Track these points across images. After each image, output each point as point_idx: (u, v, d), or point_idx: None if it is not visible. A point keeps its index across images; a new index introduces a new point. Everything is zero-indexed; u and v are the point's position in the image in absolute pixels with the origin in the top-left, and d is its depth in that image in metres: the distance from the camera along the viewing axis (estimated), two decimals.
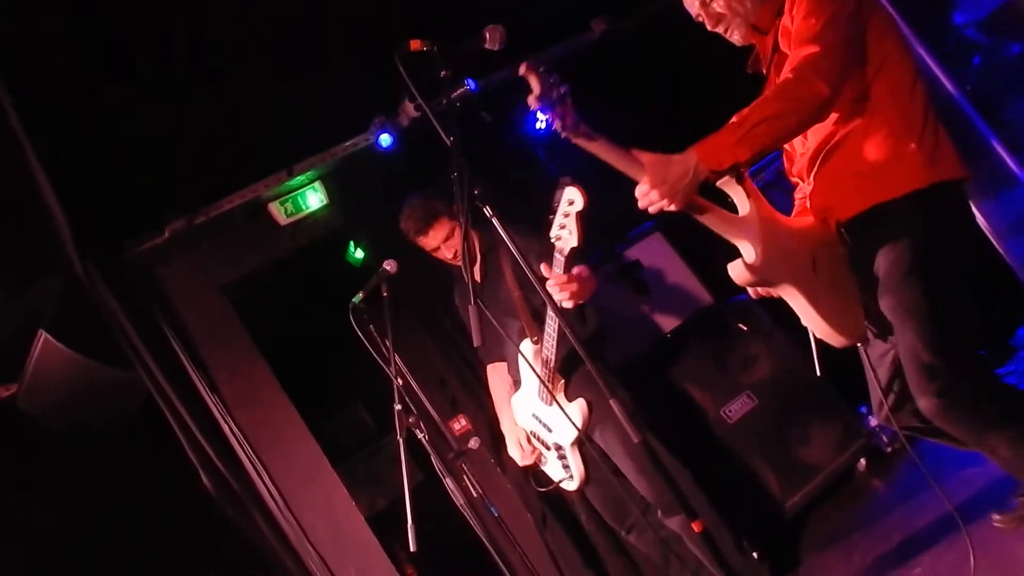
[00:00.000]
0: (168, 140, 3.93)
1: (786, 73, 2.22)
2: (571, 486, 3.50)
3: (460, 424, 4.28)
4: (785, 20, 2.33)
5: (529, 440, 3.59)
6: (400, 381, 3.28)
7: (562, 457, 3.44)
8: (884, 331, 2.37)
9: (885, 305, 2.27)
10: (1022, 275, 2.73)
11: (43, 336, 3.81)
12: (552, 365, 3.24)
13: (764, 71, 2.49)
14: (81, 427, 4.04)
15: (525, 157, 4.89)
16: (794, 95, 2.15)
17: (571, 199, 2.57)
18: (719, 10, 2.44)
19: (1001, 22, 2.54)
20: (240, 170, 4.37)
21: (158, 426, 3.91)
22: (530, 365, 3.34)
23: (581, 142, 2.26)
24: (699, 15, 2.49)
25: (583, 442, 3.34)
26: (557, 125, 2.23)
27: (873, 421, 4.53)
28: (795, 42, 2.25)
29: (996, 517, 2.65)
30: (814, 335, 2.45)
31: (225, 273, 4.39)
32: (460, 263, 3.35)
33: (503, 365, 3.68)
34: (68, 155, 3.68)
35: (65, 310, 3.94)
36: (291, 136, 4.32)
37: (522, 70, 2.17)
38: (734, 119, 2.21)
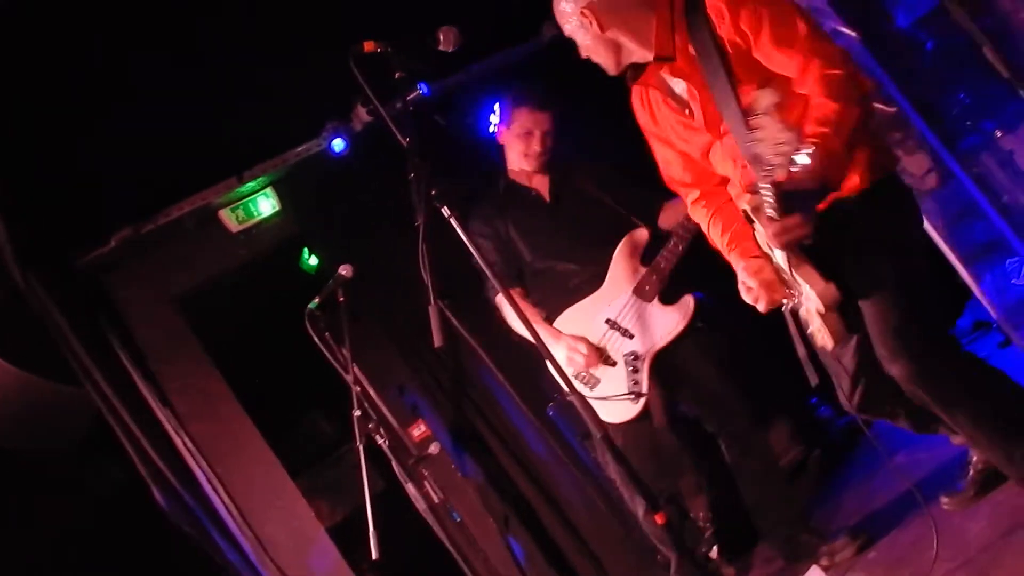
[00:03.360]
0: (115, 147, 3.84)
1: (823, 98, 2.12)
2: (631, 410, 3.30)
3: (420, 430, 4.26)
4: (725, 32, 2.23)
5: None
6: (358, 387, 3.25)
7: (635, 371, 3.33)
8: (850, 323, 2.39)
9: (855, 283, 2.29)
10: (960, 268, 2.80)
11: None
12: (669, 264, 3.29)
13: (670, 79, 2.41)
14: (28, 447, 3.93)
15: (479, 160, 4.88)
16: (848, 122, 2.14)
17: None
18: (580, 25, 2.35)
19: (935, 21, 2.61)
20: (190, 177, 4.30)
21: (111, 446, 3.82)
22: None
23: None
24: (572, 35, 2.39)
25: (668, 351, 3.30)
26: None
27: (826, 411, 4.61)
28: (788, 52, 2.18)
29: (944, 500, 2.71)
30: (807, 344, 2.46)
31: (175, 283, 4.31)
32: None
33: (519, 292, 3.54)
34: (7, 163, 3.59)
35: (7, 325, 3.82)
36: (242, 141, 4.25)
37: None
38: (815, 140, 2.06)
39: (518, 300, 3.36)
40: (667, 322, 3.33)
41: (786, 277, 2.30)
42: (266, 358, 4.58)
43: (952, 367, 2.31)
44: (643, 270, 3.38)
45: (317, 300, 3.33)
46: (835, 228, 2.26)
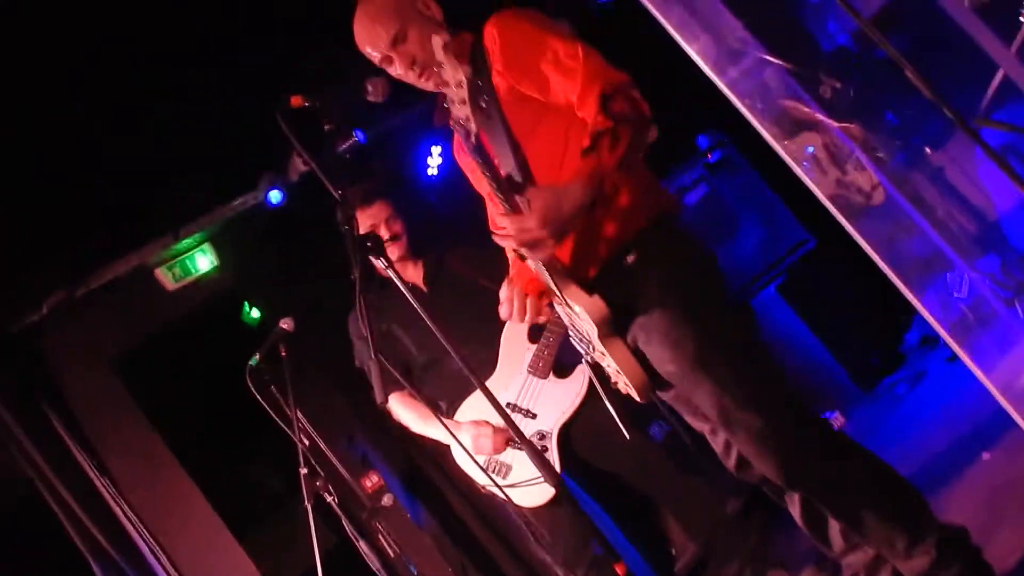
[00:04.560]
0: (44, 207, 3.75)
1: (601, 116, 2.08)
2: (547, 492, 3.20)
3: (372, 481, 4.16)
4: (495, 60, 2.19)
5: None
6: (305, 443, 3.17)
7: (544, 450, 3.26)
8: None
9: (663, 356, 2.20)
10: (900, 285, 2.83)
11: None
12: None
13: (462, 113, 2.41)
14: None
15: (417, 203, 4.87)
16: (625, 140, 2.09)
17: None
18: (412, 51, 2.26)
19: (856, 45, 2.67)
20: (123, 236, 4.21)
21: (43, 517, 3.67)
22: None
23: None
24: (386, 58, 2.29)
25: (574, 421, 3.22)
26: None
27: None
28: (567, 75, 2.14)
29: None
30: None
31: (111, 344, 4.21)
32: None
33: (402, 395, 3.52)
34: None
35: None
36: (176, 197, 4.19)
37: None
38: (587, 148, 2.08)
39: (407, 402, 3.43)
40: (567, 395, 3.30)
41: (568, 310, 2.26)
42: (209, 416, 4.47)
43: (826, 457, 2.21)
44: (532, 347, 3.33)
45: (257, 356, 3.25)
46: (616, 281, 2.22)
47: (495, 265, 3.48)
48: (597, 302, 2.18)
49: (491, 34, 2.21)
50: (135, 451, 3.95)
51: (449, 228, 4.89)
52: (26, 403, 3.77)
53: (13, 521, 3.93)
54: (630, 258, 2.23)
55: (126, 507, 3.73)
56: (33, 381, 3.89)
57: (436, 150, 4.90)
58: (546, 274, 2.18)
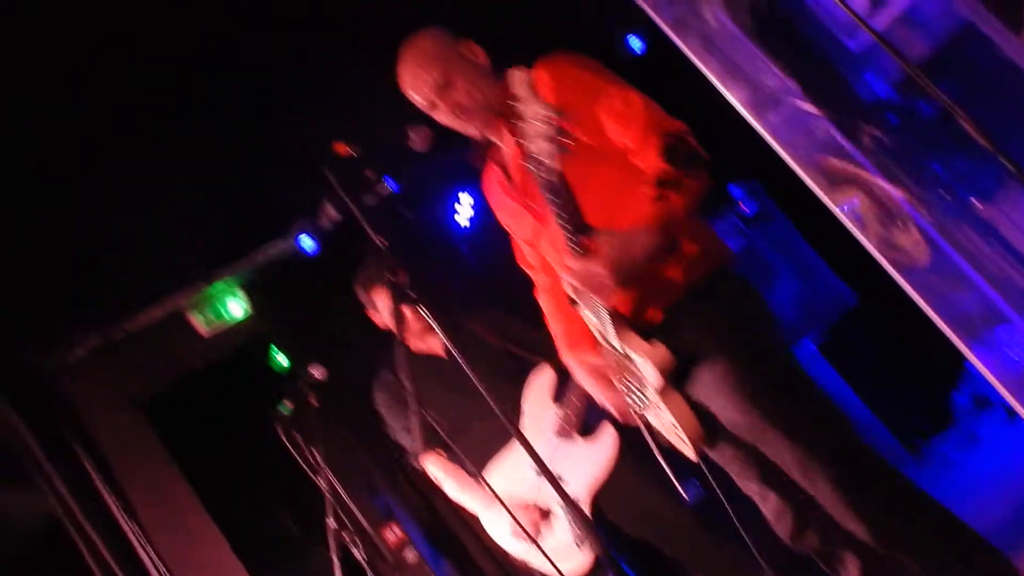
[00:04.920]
0: (82, 251, 3.80)
1: (664, 163, 2.07)
2: (583, 558, 3.06)
3: (395, 534, 4.08)
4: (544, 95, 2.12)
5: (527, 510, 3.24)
6: (331, 493, 3.13)
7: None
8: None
9: (730, 405, 2.13)
10: (957, 341, 2.72)
11: None
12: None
13: (505, 157, 2.35)
14: None
15: (447, 252, 4.87)
16: (693, 189, 2.09)
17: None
18: (458, 98, 2.24)
19: (902, 94, 2.62)
20: (158, 280, 4.24)
21: (67, 555, 3.64)
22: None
23: None
24: (432, 105, 2.27)
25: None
26: None
27: None
28: (624, 122, 2.13)
29: None
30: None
31: (143, 388, 4.22)
32: None
33: (439, 458, 3.46)
34: None
35: None
36: (210, 242, 4.22)
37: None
38: (655, 196, 2.05)
39: (440, 464, 3.36)
40: (597, 457, 3.15)
41: (620, 359, 2.18)
42: (234, 460, 4.45)
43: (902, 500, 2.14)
44: (556, 408, 3.23)
45: (287, 402, 3.21)
46: (676, 330, 2.16)
47: (520, 329, 3.45)
48: (660, 350, 2.12)
49: (542, 77, 2.17)
50: (163, 496, 3.94)
51: (478, 282, 4.88)
52: (57, 442, 3.77)
53: (40, 558, 3.91)
54: (691, 306, 2.18)
55: (150, 549, 3.71)
56: (64, 420, 3.90)
57: (466, 199, 4.89)
58: (606, 321, 2.11)
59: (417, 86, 2.27)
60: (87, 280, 3.90)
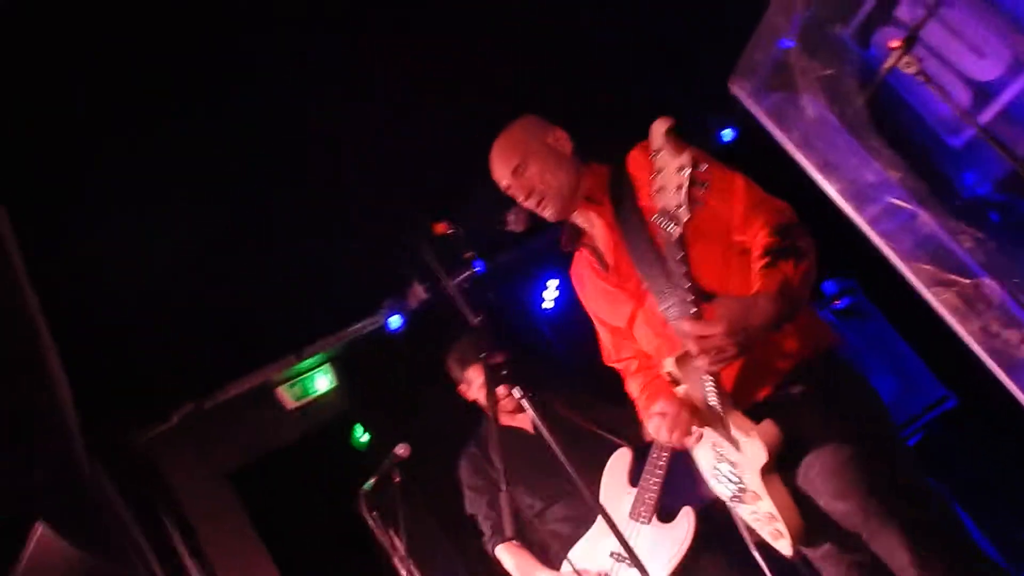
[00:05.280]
0: (177, 324, 3.90)
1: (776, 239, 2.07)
2: None
3: None
4: (641, 188, 2.19)
5: None
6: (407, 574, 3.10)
7: None
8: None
9: (840, 494, 2.05)
10: None
11: (40, 528, 3.63)
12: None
13: (596, 242, 2.38)
14: None
15: (531, 335, 4.88)
16: (804, 268, 2.06)
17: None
18: (532, 182, 2.33)
19: (1006, 190, 2.57)
20: (249, 354, 4.34)
21: None
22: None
23: None
24: (509, 187, 2.37)
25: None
26: None
27: None
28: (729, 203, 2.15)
29: None
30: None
31: (230, 460, 4.31)
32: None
33: (513, 544, 3.42)
34: (78, 342, 3.63)
35: (62, 494, 3.78)
36: (300, 318, 4.31)
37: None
38: (767, 263, 2.03)
39: (513, 552, 3.32)
40: (672, 541, 3.09)
41: (718, 441, 2.11)
42: (314, 536, 4.45)
43: None
44: (634, 491, 3.16)
45: (372, 481, 3.22)
46: (782, 413, 2.08)
47: (603, 410, 3.42)
48: (770, 427, 2.03)
49: (639, 162, 2.23)
50: (242, 564, 3.98)
51: (562, 365, 4.86)
52: (147, 512, 3.85)
53: None
54: (796, 389, 2.12)
55: None
56: (155, 490, 3.99)
57: (553, 284, 4.93)
58: (713, 395, 2.05)
59: (496, 168, 2.40)
60: (183, 351, 4.01)
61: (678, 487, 3.13)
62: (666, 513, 3.15)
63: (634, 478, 3.21)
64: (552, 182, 2.32)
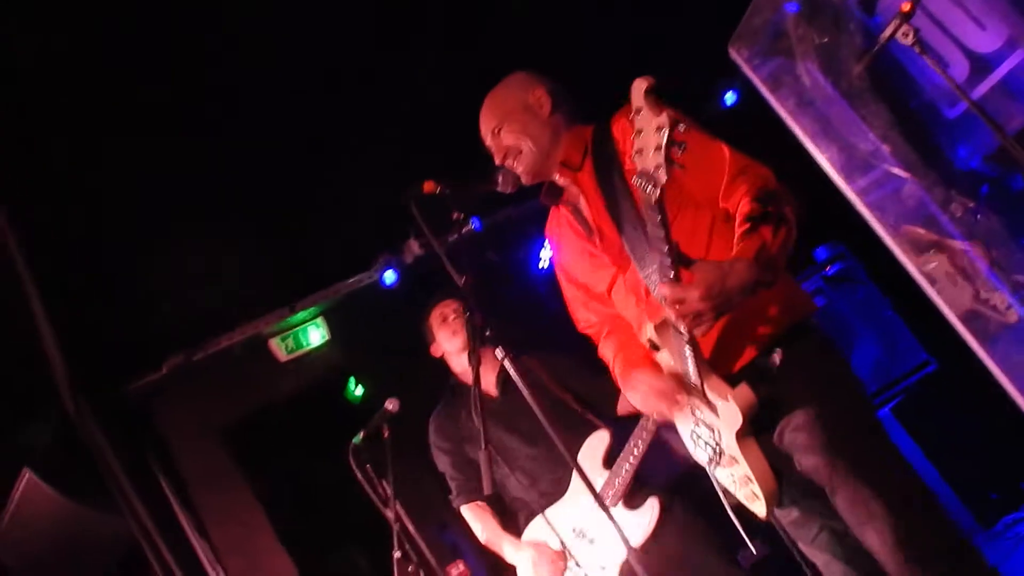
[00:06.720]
0: (170, 275, 3.91)
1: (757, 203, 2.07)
2: None
3: (459, 570, 4.08)
4: (625, 152, 2.11)
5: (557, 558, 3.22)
6: (399, 526, 3.15)
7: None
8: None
9: (817, 461, 2.09)
10: None
11: (27, 474, 3.67)
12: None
13: (579, 204, 2.38)
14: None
15: (527, 294, 4.89)
16: (784, 232, 2.06)
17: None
18: (506, 143, 2.36)
19: (994, 163, 2.59)
20: (242, 306, 4.35)
21: (142, 573, 3.73)
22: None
23: None
24: (489, 147, 2.42)
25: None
26: None
27: None
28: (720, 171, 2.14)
29: None
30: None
31: (222, 412, 4.32)
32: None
33: (478, 506, 3.46)
34: (68, 293, 3.64)
35: (56, 448, 3.81)
36: (294, 272, 4.32)
37: None
38: (747, 229, 2.04)
39: (477, 514, 3.39)
40: (634, 529, 3.09)
41: (696, 405, 2.15)
42: (307, 489, 4.50)
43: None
44: (606, 473, 3.17)
45: (361, 435, 3.26)
46: (759, 380, 2.10)
47: (582, 380, 3.38)
48: (745, 391, 2.06)
49: (624, 126, 2.21)
50: (236, 518, 4.01)
51: (552, 327, 4.87)
52: (139, 463, 3.89)
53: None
54: (776, 357, 2.15)
55: (222, 572, 3.76)
56: (147, 442, 4.02)
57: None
58: (689, 360, 2.08)
59: (481, 129, 2.43)
60: (176, 306, 4.02)
61: (649, 475, 3.16)
62: (633, 500, 3.15)
63: (608, 461, 3.21)
64: (524, 143, 2.33)
